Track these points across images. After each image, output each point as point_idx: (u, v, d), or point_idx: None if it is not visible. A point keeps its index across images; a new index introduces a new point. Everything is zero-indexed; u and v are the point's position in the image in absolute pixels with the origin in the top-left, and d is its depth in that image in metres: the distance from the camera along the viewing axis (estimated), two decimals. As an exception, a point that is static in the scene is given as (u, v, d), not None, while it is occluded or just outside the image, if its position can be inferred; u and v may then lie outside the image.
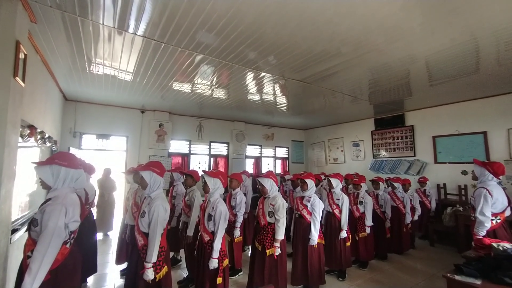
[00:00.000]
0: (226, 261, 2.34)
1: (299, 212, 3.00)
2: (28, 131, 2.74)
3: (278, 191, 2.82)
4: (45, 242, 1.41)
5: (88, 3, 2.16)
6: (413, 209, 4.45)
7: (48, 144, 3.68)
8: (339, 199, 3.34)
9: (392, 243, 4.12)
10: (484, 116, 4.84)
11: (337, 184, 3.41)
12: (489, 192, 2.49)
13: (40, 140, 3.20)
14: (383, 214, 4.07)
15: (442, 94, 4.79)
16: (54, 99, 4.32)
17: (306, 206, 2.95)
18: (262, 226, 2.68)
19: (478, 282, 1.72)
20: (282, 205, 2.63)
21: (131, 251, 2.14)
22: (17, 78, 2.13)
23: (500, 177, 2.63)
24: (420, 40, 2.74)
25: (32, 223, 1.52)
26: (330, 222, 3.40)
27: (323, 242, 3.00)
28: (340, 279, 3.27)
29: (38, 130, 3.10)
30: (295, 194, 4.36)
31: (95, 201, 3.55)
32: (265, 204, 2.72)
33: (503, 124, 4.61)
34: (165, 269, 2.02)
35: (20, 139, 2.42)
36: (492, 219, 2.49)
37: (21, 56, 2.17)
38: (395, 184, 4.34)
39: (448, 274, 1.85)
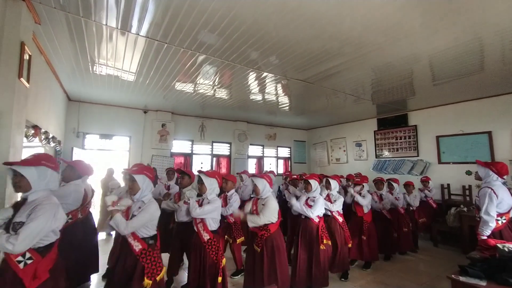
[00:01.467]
0: (224, 260, 2.37)
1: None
2: (33, 131, 2.77)
3: (279, 191, 2.80)
4: (33, 228, 1.38)
5: (92, 4, 2.18)
6: (416, 211, 4.43)
7: (52, 144, 3.71)
8: (336, 201, 3.32)
9: (393, 244, 4.10)
10: (489, 116, 4.80)
11: (335, 186, 3.37)
12: (494, 191, 2.47)
13: (44, 140, 3.23)
14: (389, 213, 4.06)
15: (445, 94, 4.75)
16: (57, 99, 4.36)
17: (311, 206, 2.93)
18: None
19: (483, 283, 1.71)
20: (272, 207, 2.56)
21: (124, 259, 1.97)
22: (22, 79, 2.15)
23: (505, 177, 2.60)
24: (423, 39, 2.72)
25: (15, 227, 1.40)
26: (329, 225, 3.35)
27: (330, 243, 2.98)
28: (343, 279, 3.25)
29: (43, 130, 3.13)
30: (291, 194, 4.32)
31: (94, 201, 3.54)
32: (258, 204, 2.68)
33: (508, 124, 4.56)
34: (164, 271, 2.01)
35: (24, 139, 2.45)
36: (497, 219, 2.47)
37: (26, 57, 2.19)
38: (394, 184, 4.33)
39: (453, 275, 1.84)
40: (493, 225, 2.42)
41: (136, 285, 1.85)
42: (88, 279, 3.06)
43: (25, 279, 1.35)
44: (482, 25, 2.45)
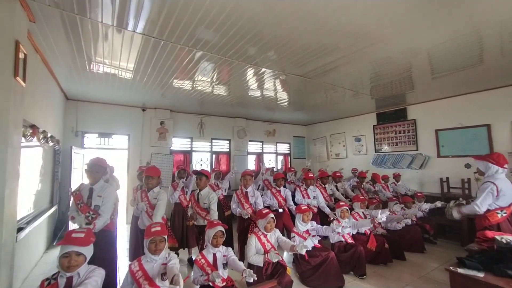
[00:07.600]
0: None
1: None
2: (31, 131, 2.76)
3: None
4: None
5: (86, 1, 2.15)
6: None
7: (51, 144, 3.70)
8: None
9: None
10: (488, 109, 4.79)
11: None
12: (496, 188, 2.43)
13: (42, 140, 3.21)
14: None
15: (445, 87, 4.73)
16: (55, 98, 4.33)
17: None
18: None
19: (480, 275, 1.72)
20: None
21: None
22: (18, 78, 2.13)
23: (506, 166, 2.56)
24: (422, 32, 2.70)
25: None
26: None
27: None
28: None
29: (41, 129, 3.12)
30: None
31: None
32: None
33: (507, 117, 4.55)
34: None
35: (23, 139, 2.44)
36: (497, 213, 2.48)
37: (21, 56, 2.17)
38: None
39: (451, 267, 1.85)
40: (480, 212, 2.49)
41: None
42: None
43: None
44: (481, 16, 2.43)
